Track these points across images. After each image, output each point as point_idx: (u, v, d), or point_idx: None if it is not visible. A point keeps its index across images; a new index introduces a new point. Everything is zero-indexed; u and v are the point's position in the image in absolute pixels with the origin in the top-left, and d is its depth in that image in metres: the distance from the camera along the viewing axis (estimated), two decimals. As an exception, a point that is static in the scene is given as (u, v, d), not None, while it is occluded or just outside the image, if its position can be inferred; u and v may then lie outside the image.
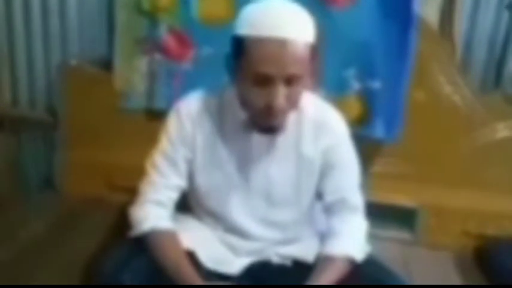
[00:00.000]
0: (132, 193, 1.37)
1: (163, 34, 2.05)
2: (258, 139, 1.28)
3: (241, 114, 1.26)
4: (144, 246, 1.27)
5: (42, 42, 2.36)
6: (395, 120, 1.91)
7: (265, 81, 1.12)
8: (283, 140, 1.29)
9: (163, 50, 2.06)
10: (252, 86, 1.15)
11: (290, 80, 1.13)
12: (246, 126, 1.27)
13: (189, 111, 1.31)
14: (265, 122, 1.22)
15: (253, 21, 1.13)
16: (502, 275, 1.74)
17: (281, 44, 1.09)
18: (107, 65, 2.19)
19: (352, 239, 1.31)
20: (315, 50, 1.17)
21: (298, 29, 1.12)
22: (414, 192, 2.02)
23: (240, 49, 1.14)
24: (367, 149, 1.79)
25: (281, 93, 1.13)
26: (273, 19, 1.12)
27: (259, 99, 1.15)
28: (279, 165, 1.31)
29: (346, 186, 1.33)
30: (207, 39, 1.98)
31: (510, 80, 2.14)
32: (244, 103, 1.21)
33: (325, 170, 1.32)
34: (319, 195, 1.36)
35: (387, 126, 1.92)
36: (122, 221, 1.37)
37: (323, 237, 1.35)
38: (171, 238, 1.29)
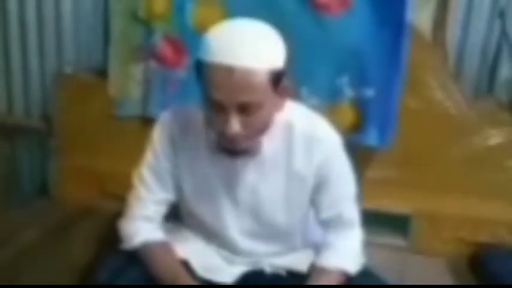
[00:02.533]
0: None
1: (159, 42, 2.05)
2: (243, 155, 1.23)
3: None
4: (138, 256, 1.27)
5: (37, 50, 2.35)
6: (389, 127, 1.91)
7: (219, 107, 1.08)
8: (272, 156, 1.24)
9: (158, 57, 2.06)
10: (211, 111, 1.11)
11: (244, 108, 1.07)
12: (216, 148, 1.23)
13: (173, 123, 1.28)
14: (229, 147, 1.18)
15: (207, 46, 1.07)
16: (496, 282, 1.74)
17: (227, 71, 1.04)
18: (102, 73, 2.18)
19: (347, 253, 1.31)
20: (279, 76, 1.10)
21: (252, 56, 1.05)
22: (407, 199, 2.02)
23: (199, 73, 1.11)
24: (361, 156, 1.79)
25: (234, 121, 1.07)
26: (224, 45, 1.05)
27: (217, 124, 1.11)
28: (267, 182, 1.26)
29: (341, 201, 1.31)
30: (202, 47, 1.98)
31: (502, 87, 2.15)
32: (208, 125, 1.18)
33: (320, 185, 1.28)
34: (314, 209, 1.34)
35: (381, 134, 1.93)
36: (116, 229, 1.37)
37: (318, 248, 1.34)
38: (165, 248, 1.29)
